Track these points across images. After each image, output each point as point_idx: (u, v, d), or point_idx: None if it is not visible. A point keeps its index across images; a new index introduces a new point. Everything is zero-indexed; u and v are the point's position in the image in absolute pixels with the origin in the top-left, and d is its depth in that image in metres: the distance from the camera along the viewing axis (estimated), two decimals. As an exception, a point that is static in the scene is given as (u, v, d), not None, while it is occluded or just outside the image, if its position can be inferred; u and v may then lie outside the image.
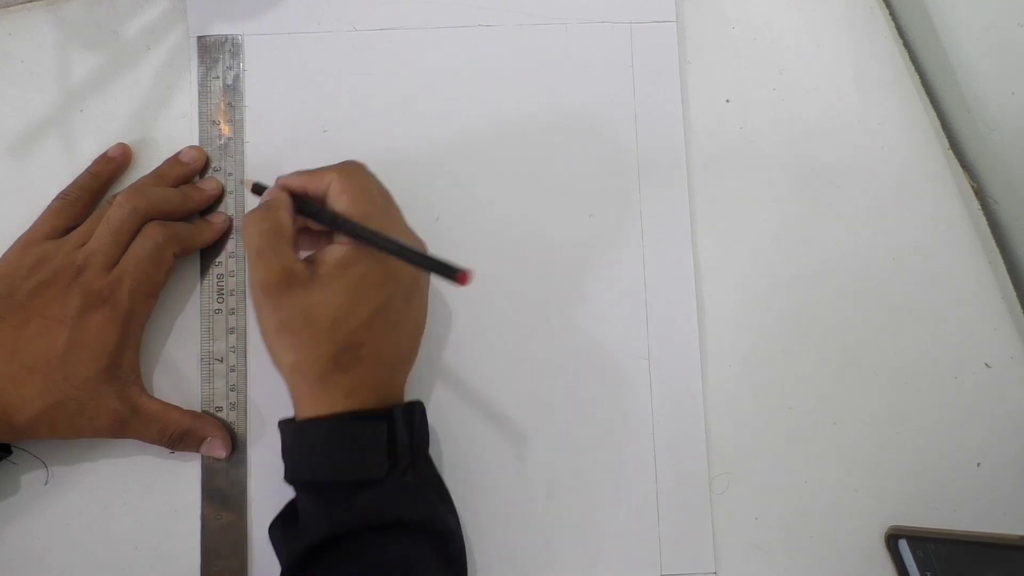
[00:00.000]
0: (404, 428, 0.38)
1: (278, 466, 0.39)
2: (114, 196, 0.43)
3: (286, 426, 0.39)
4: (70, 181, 0.44)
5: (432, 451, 0.45)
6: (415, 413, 0.40)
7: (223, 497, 0.44)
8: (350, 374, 0.38)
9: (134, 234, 0.42)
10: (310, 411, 0.39)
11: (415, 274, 0.40)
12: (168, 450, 0.43)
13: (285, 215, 0.39)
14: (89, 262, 0.41)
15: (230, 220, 0.45)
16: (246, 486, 0.44)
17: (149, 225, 0.42)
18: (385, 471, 0.37)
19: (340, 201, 0.38)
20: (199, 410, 0.44)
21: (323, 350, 0.38)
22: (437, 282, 0.46)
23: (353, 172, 0.39)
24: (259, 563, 0.44)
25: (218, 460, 0.44)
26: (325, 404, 0.38)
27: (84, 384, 0.40)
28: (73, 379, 0.40)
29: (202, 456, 0.44)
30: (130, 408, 0.41)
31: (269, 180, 0.46)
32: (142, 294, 0.42)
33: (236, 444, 0.44)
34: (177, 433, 0.42)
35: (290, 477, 0.39)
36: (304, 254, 0.40)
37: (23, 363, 0.40)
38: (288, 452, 0.39)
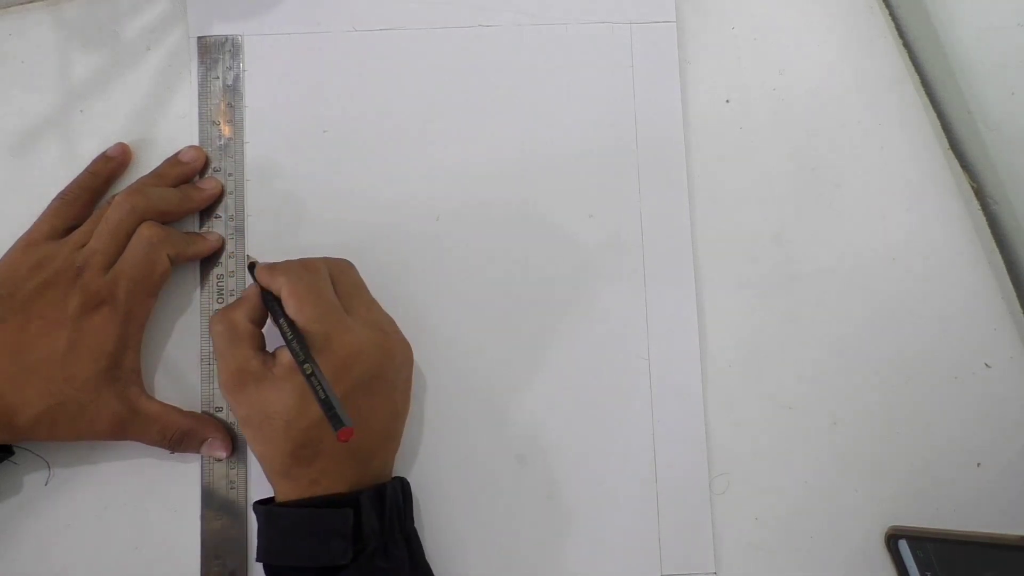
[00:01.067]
0: (372, 513, 0.39)
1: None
2: (114, 196, 0.43)
3: (259, 508, 0.40)
4: (70, 181, 0.44)
5: (432, 451, 0.45)
6: (387, 496, 0.40)
7: (223, 498, 0.44)
8: (312, 467, 0.39)
9: (132, 234, 0.42)
10: (280, 496, 0.40)
11: (379, 368, 0.40)
12: (168, 451, 0.43)
13: (241, 316, 0.40)
14: (88, 263, 0.41)
15: (223, 240, 0.45)
16: (246, 486, 0.44)
17: (143, 225, 0.42)
18: (350, 557, 0.38)
19: (288, 306, 0.39)
20: (199, 411, 0.44)
21: (281, 446, 0.39)
22: (441, 285, 0.46)
23: (301, 275, 0.40)
24: (259, 565, 0.44)
25: (218, 460, 0.44)
26: (292, 492, 0.39)
27: (84, 385, 0.40)
28: (73, 380, 0.40)
29: (202, 456, 0.44)
30: (130, 409, 0.41)
31: (269, 182, 0.46)
32: (139, 294, 0.42)
33: (236, 444, 0.44)
34: (177, 434, 0.42)
35: (261, 558, 0.39)
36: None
37: (24, 364, 0.40)
38: (260, 534, 0.40)
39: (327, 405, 0.36)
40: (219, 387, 0.41)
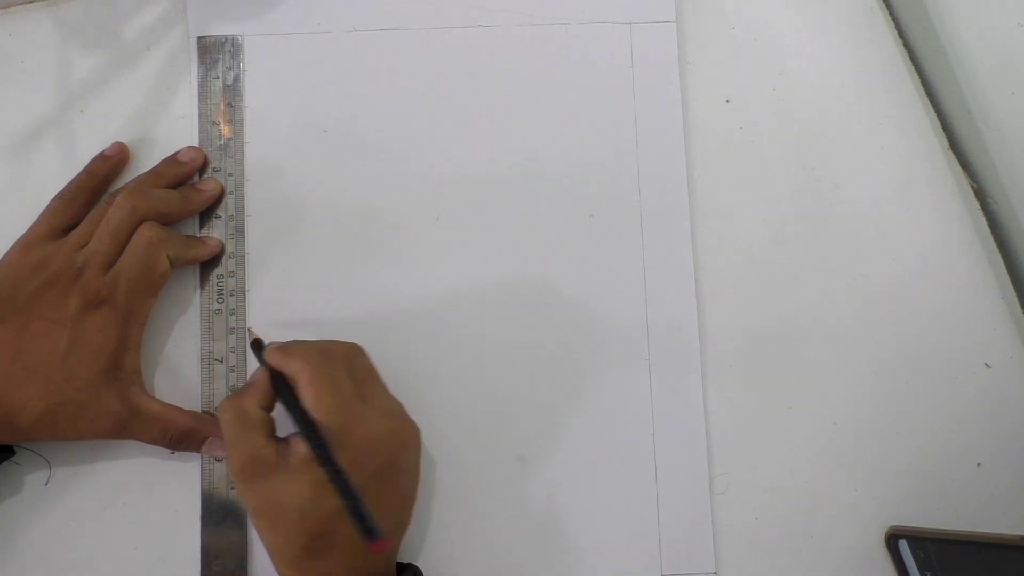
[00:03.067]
0: None
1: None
2: (113, 195, 0.43)
3: None
4: (69, 181, 0.44)
5: (432, 451, 0.45)
6: None
7: (223, 498, 0.44)
8: (324, 560, 0.38)
9: (132, 235, 0.42)
10: None
11: (393, 458, 0.40)
12: (168, 451, 0.43)
13: (251, 402, 0.39)
14: (88, 263, 0.41)
15: (222, 245, 0.45)
16: (246, 486, 0.44)
17: (143, 225, 0.42)
18: None
19: (306, 395, 0.38)
20: (199, 411, 0.44)
21: (293, 538, 0.38)
22: (440, 284, 0.46)
23: (319, 362, 0.39)
24: (259, 563, 0.44)
25: (218, 460, 0.44)
26: None
27: (85, 385, 0.40)
28: (74, 380, 0.40)
29: (202, 456, 0.44)
30: (131, 409, 0.41)
31: (269, 182, 0.46)
32: (139, 294, 0.42)
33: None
34: (178, 434, 0.42)
35: None
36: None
37: (25, 365, 0.40)
38: None
39: (357, 514, 0.35)
40: (231, 475, 0.39)
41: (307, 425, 0.38)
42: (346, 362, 0.40)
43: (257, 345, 0.42)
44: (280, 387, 0.39)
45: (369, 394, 0.40)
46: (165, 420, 0.42)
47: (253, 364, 0.45)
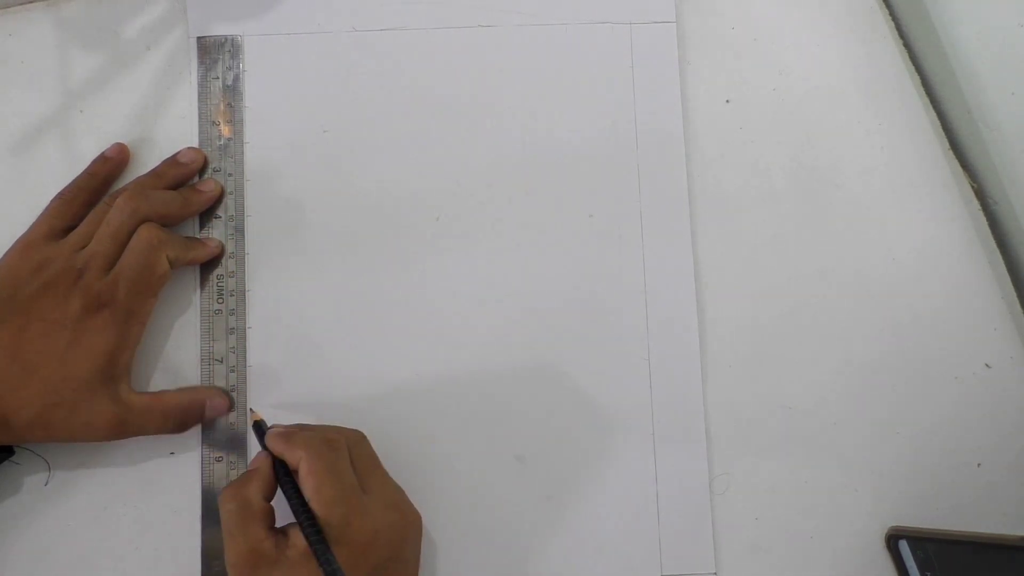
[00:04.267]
0: None
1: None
2: (113, 196, 0.43)
3: None
4: (69, 181, 0.44)
5: (431, 451, 0.45)
6: None
7: (223, 497, 0.44)
8: None
9: (132, 236, 0.42)
10: None
11: (396, 550, 0.39)
12: (179, 433, 0.43)
13: (255, 492, 0.38)
14: (89, 264, 0.41)
15: (222, 247, 0.45)
16: (246, 486, 0.44)
17: (143, 227, 0.42)
18: None
19: (306, 486, 0.38)
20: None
21: None
22: (440, 283, 0.46)
23: (321, 452, 0.39)
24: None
25: (219, 461, 0.44)
26: None
27: (80, 385, 0.40)
28: (71, 380, 0.40)
29: (202, 456, 0.44)
30: (124, 406, 0.41)
31: (269, 182, 0.46)
32: (139, 295, 0.42)
33: (237, 444, 0.44)
34: (179, 412, 0.43)
35: None
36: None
37: (23, 365, 0.40)
38: None
39: None
40: (227, 567, 0.38)
41: (307, 518, 0.37)
42: (349, 451, 0.40)
43: (259, 428, 0.41)
44: (281, 476, 0.39)
45: (371, 485, 0.40)
46: (161, 405, 0.42)
47: (253, 364, 0.45)
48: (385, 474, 0.41)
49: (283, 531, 0.38)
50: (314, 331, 0.45)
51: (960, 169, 0.48)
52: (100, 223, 0.42)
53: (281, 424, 0.41)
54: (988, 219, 0.48)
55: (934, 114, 0.49)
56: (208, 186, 0.45)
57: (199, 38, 0.47)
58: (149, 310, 0.43)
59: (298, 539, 0.37)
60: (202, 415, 0.44)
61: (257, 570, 0.37)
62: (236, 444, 0.44)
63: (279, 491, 0.39)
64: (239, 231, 0.46)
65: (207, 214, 0.46)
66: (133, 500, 0.44)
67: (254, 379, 0.45)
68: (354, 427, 0.42)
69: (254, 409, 0.44)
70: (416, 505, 0.42)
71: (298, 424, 0.41)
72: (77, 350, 0.40)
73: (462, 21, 0.48)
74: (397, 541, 0.39)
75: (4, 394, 0.40)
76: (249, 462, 0.41)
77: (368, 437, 0.42)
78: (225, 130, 0.46)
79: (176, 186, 0.45)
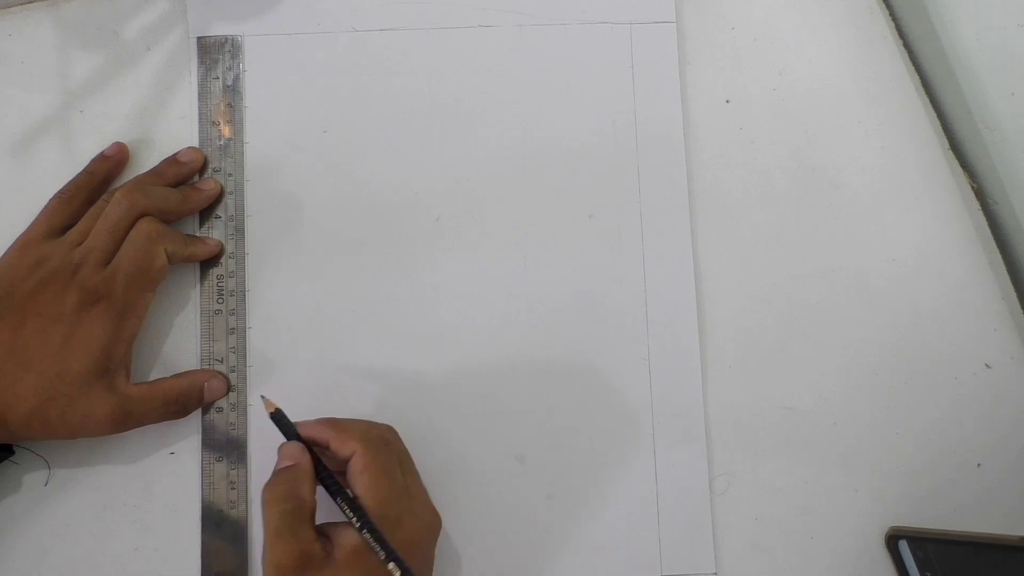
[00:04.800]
0: None
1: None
2: (111, 193, 0.43)
3: None
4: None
5: (432, 451, 0.45)
6: None
7: (223, 498, 0.44)
8: None
9: (130, 231, 0.42)
10: None
11: (428, 551, 0.39)
12: (180, 419, 0.43)
13: (307, 490, 0.37)
14: (86, 259, 0.41)
15: (222, 246, 0.45)
16: (247, 487, 0.44)
17: (142, 220, 0.42)
18: None
19: (359, 481, 0.37)
20: (199, 410, 0.44)
21: None
22: (440, 284, 0.46)
23: (378, 448, 0.38)
24: (259, 564, 0.44)
25: (219, 460, 0.44)
26: None
27: (75, 379, 0.40)
28: (65, 375, 0.40)
29: (202, 456, 0.44)
30: (123, 396, 0.41)
31: (269, 182, 0.46)
32: (136, 288, 0.41)
33: (237, 444, 0.44)
34: (178, 397, 0.43)
35: None
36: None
37: (20, 361, 0.40)
38: None
39: None
40: (266, 569, 0.36)
41: (362, 515, 0.36)
42: (396, 450, 0.39)
43: (280, 418, 0.40)
44: (324, 474, 0.38)
45: (411, 485, 0.39)
46: (161, 392, 0.42)
47: (253, 366, 0.45)
48: (418, 474, 0.41)
49: (323, 531, 0.38)
50: (314, 331, 0.45)
51: (960, 169, 0.48)
52: (98, 219, 0.42)
53: (307, 420, 0.40)
54: (988, 219, 0.48)
55: (934, 114, 0.49)
56: (208, 185, 0.45)
57: (199, 38, 0.47)
58: (146, 304, 0.42)
59: (344, 538, 0.36)
60: (201, 398, 0.44)
61: (305, 572, 0.36)
62: (236, 444, 0.44)
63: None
64: (239, 231, 0.46)
65: (207, 214, 0.46)
66: (133, 500, 0.44)
67: (254, 379, 0.45)
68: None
69: (267, 397, 0.40)
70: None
71: (336, 418, 0.40)
72: (72, 344, 0.40)
73: (462, 21, 0.48)
74: (430, 542, 0.39)
75: (0, 391, 0.40)
76: (280, 454, 0.39)
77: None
78: (225, 130, 0.46)
79: (175, 185, 0.45)
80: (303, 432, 0.39)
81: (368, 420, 0.41)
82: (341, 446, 0.38)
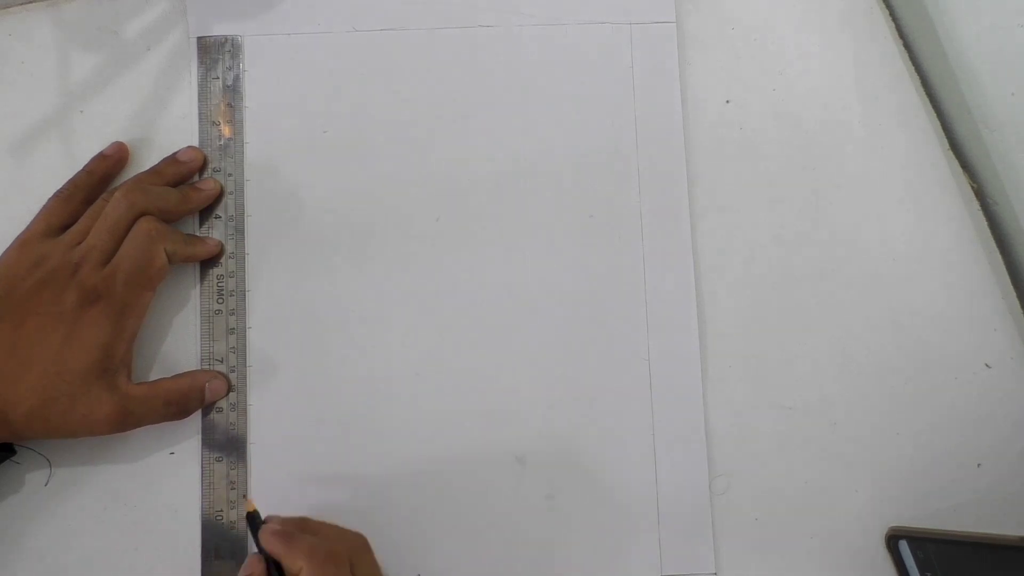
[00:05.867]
0: None
1: (278, 468, 0.39)
2: (110, 192, 0.43)
3: None
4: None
5: (431, 451, 0.45)
6: None
7: (223, 497, 0.44)
8: None
9: (129, 230, 0.42)
10: None
11: None
12: (182, 419, 0.43)
13: None
14: (85, 258, 0.41)
15: (222, 246, 0.45)
16: (247, 487, 0.44)
17: (142, 219, 0.42)
18: None
19: None
20: (199, 410, 0.44)
21: None
22: (440, 284, 0.46)
23: (324, 566, 0.37)
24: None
25: (219, 461, 0.44)
26: None
27: (75, 378, 0.40)
28: (66, 374, 0.40)
29: (202, 457, 0.44)
30: (124, 396, 0.41)
31: (269, 182, 0.46)
32: (136, 287, 0.41)
33: (237, 444, 0.44)
34: (179, 397, 0.43)
35: None
36: None
37: (20, 360, 0.40)
38: None
39: None
40: None
41: None
42: (350, 561, 0.38)
43: (253, 521, 0.40)
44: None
45: None
46: (162, 392, 0.42)
47: (253, 366, 0.45)
48: None
49: None
50: (314, 331, 0.45)
51: (960, 169, 0.48)
52: (97, 218, 0.42)
53: (277, 517, 0.39)
54: (988, 219, 0.48)
55: (934, 114, 0.49)
56: (207, 185, 0.45)
57: (199, 38, 0.47)
58: (146, 303, 0.42)
59: None
60: (203, 399, 0.44)
61: None
62: (236, 444, 0.44)
63: None
64: (239, 231, 0.46)
65: (207, 213, 0.46)
66: (133, 500, 0.44)
67: (254, 379, 0.45)
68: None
69: (248, 498, 0.42)
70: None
71: (298, 518, 0.40)
72: (72, 343, 0.40)
73: (462, 21, 0.48)
74: None
75: (1, 390, 0.40)
76: (245, 563, 0.39)
77: (361, 518, 0.40)
78: (225, 130, 0.46)
79: (175, 184, 0.45)
80: (262, 541, 0.38)
81: (332, 526, 0.40)
82: (291, 563, 0.37)
